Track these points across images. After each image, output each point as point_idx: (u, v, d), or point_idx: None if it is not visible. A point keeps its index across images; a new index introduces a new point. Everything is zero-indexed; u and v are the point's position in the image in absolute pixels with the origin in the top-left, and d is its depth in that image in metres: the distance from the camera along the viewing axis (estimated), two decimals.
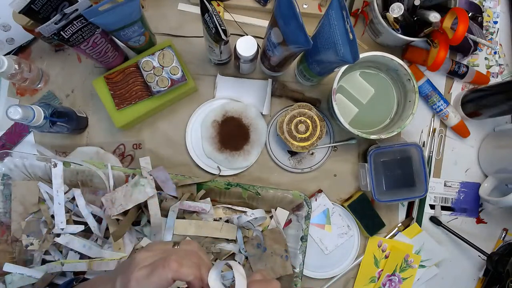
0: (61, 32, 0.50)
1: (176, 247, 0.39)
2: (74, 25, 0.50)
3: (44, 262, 0.58)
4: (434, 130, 0.74)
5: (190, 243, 0.40)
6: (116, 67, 0.64)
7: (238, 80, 0.70)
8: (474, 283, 0.74)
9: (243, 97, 0.70)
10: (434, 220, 0.72)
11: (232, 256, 0.63)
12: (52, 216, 0.59)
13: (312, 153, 0.71)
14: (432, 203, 0.73)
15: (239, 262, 0.62)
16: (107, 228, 0.59)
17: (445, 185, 0.73)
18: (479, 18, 0.72)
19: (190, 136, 0.69)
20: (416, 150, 0.67)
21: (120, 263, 0.41)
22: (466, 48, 0.72)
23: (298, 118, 0.65)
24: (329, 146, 0.71)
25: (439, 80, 0.74)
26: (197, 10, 0.71)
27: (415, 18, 0.64)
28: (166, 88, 0.62)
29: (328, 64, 0.56)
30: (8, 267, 0.55)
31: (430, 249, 0.71)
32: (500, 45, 0.76)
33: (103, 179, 0.59)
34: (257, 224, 0.63)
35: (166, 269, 0.35)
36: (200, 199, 0.62)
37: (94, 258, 0.57)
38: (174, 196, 0.61)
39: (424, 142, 0.74)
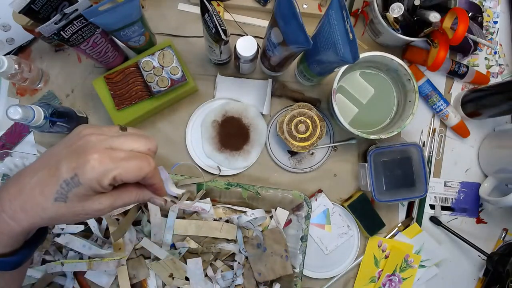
0: (61, 32, 0.50)
1: (122, 132, 0.35)
2: (74, 25, 0.50)
3: (44, 262, 0.58)
4: (434, 130, 0.74)
5: (136, 130, 0.36)
6: (116, 67, 0.64)
7: (238, 80, 0.70)
8: (474, 283, 0.74)
9: (243, 97, 0.70)
10: (434, 220, 0.72)
11: (232, 256, 0.63)
12: None
13: (312, 153, 0.71)
14: (432, 203, 0.73)
15: (239, 262, 0.62)
16: (107, 228, 0.59)
17: (445, 185, 0.73)
18: (479, 18, 0.72)
19: (190, 136, 0.69)
20: (416, 150, 0.67)
21: (52, 148, 0.34)
22: (466, 48, 0.72)
23: (298, 118, 0.65)
24: (329, 146, 0.71)
25: (439, 80, 0.74)
26: (197, 10, 0.71)
27: (415, 18, 0.64)
28: (166, 88, 0.62)
29: (328, 64, 0.56)
30: None
31: (430, 249, 0.71)
32: (500, 45, 0.76)
33: None
34: (257, 224, 0.63)
35: (141, 161, 0.32)
36: (200, 199, 0.62)
37: (94, 258, 0.57)
38: (174, 196, 0.60)
39: (424, 142, 0.74)
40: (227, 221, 0.62)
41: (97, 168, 0.30)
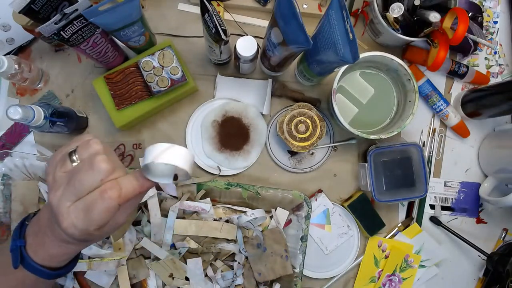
0: (61, 32, 0.50)
1: (75, 163, 0.34)
2: (74, 25, 0.50)
3: None
4: (434, 130, 0.74)
5: (87, 148, 0.34)
6: (116, 67, 0.64)
7: (238, 80, 0.70)
8: (474, 283, 0.74)
9: (243, 97, 0.70)
10: (434, 220, 0.72)
11: (232, 256, 0.63)
12: None
13: (312, 153, 0.71)
14: (432, 203, 0.73)
15: (239, 262, 0.62)
16: None
17: (445, 185, 0.73)
18: (479, 18, 0.72)
19: (190, 136, 0.69)
20: (416, 150, 0.67)
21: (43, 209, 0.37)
22: (466, 48, 0.72)
23: (298, 118, 0.65)
24: (329, 146, 0.71)
25: (439, 80, 0.74)
26: (197, 10, 0.71)
27: (415, 18, 0.64)
28: (166, 88, 0.62)
29: (328, 64, 0.56)
30: None
31: (430, 249, 0.71)
32: (500, 45, 0.76)
33: None
34: (257, 224, 0.63)
35: (106, 198, 0.32)
36: (200, 199, 0.62)
37: (94, 258, 0.56)
38: (174, 196, 0.61)
39: (424, 142, 0.74)
40: (227, 221, 0.62)
41: (77, 231, 0.33)
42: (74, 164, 0.34)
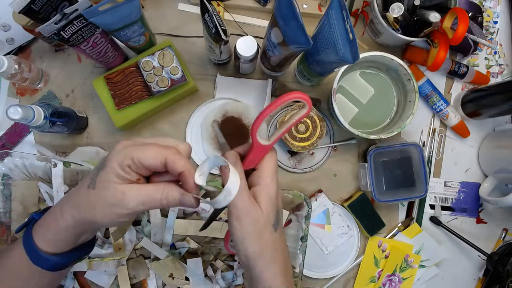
0: (61, 32, 0.50)
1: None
2: (74, 25, 0.50)
3: None
4: (434, 130, 0.74)
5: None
6: (116, 67, 0.64)
7: (238, 80, 0.70)
8: (474, 283, 0.74)
9: (243, 97, 0.70)
10: (434, 220, 0.72)
11: (232, 256, 0.63)
12: None
13: (312, 153, 0.71)
14: (432, 203, 0.73)
15: (239, 262, 0.62)
16: (107, 228, 0.59)
17: (445, 185, 0.73)
18: (479, 18, 0.72)
19: (190, 136, 0.69)
20: (416, 150, 0.67)
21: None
22: (466, 48, 0.72)
23: None
24: (329, 146, 0.71)
25: (439, 80, 0.74)
26: (197, 10, 0.71)
27: (415, 18, 0.64)
28: (166, 88, 0.62)
29: (328, 64, 0.56)
30: None
31: (430, 249, 0.71)
32: (500, 45, 0.76)
33: None
34: None
35: (163, 149, 0.34)
36: None
37: (94, 258, 0.57)
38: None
39: (424, 142, 0.74)
40: (227, 221, 0.62)
41: (119, 152, 0.33)
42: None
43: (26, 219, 0.39)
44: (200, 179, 0.36)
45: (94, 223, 0.35)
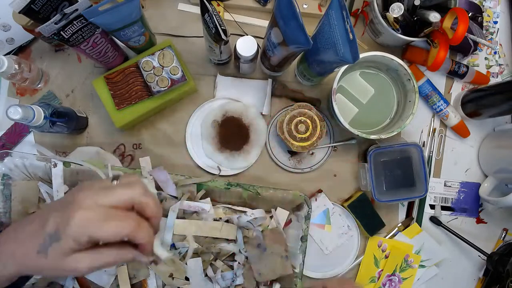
0: (61, 32, 0.50)
1: (115, 182, 0.35)
2: (74, 25, 0.50)
3: None
4: (434, 130, 0.74)
5: (130, 177, 0.36)
6: (116, 67, 0.64)
7: (238, 80, 0.70)
8: (474, 283, 0.74)
9: (243, 97, 0.70)
10: (434, 220, 0.72)
11: (232, 256, 0.63)
12: None
13: (312, 153, 0.71)
14: (432, 203, 0.73)
15: (239, 262, 0.62)
16: None
17: (445, 185, 0.73)
18: (479, 18, 0.72)
19: (190, 136, 0.69)
20: (416, 150, 0.67)
21: (51, 202, 0.37)
22: (466, 48, 0.72)
23: (298, 118, 0.65)
24: (329, 146, 0.71)
25: (439, 80, 0.74)
26: (197, 10, 0.71)
27: (415, 18, 0.64)
28: (166, 88, 0.62)
29: (328, 64, 0.56)
30: None
31: (430, 249, 0.71)
32: (500, 45, 0.76)
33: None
34: (257, 224, 0.63)
35: (123, 222, 0.32)
36: (200, 199, 0.62)
37: None
38: (174, 196, 0.60)
39: (424, 142, 0.74)
40: (227, 221, 0.62)
41: (75, 227, 0.31)
42: (114, 182, 0.35)
43: None
44: (160, 248, 0.35)
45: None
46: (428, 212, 0.73)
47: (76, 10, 0.49)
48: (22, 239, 0.34)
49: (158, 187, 0.59)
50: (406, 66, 0.62)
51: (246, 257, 0.62)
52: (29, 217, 0.36)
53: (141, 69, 0.61)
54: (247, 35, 0.60)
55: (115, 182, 0.35)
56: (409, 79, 0.63)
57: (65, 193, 0.59)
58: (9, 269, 0.34)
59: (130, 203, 0.33)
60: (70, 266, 0.32)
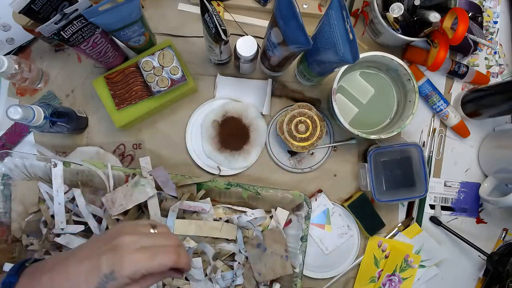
0: (61, 32, 0.50)
1: (154, 231, 0.41)
2: (74, 25, 0.50)
3: None
4: (434, 130, 0.74)
5: (164, 227, 0.42)
6: (116, 67, 0.64)
7: (238, 80, 0.70)
8: (474, 283, 0.74)
9: (243, 97, 0.70)
10: (434, 220, 0.72)
11: (232, 256, 0.63)
12: (52, 216, 0.59)
13: (312, 153, 0.71)
14: (432, 203, 0.73)
15: (239, 262, 0.62)
16: (107, 228, 0.59)
17: (445, 185, 0.73)
18: (479, 18, 0.72)
19: (190, 136, 0.69)
20: (416, 150, 0.67)
21: (94, 239, 0.41)
22: (466, 48, 0.72)
23: (298, 118, 0.65)
24: (329, 146, 0.71)
25: (439, 80, 0.74)
26: (197, 10, 0.71)
27: (415, 18, 0.64)
28: (166, 88, 0.62)
29: (328, 64, 0.56)
30: (8, 267, 0.55)
31: (430, 249, 0.71)
32: (500, 45, 0.76)
33: (103, 179, 0.59)
34: (257, 224, 0.63)
35: (166, 256, 0.38)
36: (200, 199, 0.62)
37: None
38: (174, 196, 0.61)
39: (424, 142, 0.74)
40: (227, 221, 0.62)
41: (129, 268, 0.36)
42: (153, 231, 0.41)
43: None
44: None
45: None
46: (428, 212, 0.73)
47: (76, 10, 0.49)
48: (76, 279, 0.37)
49: (158, 187, 0.59)
50: (406, 66, 0.62)
51: (246, 257, 0.62)
52: (76, 255, 0.39)
53: (141, 69, 0.61)
54: (247, 35, 0.60)
55: (153, 230, 0.41)
56: (409, 79, 0.63)
57: (65, 193, 0.58)
58: None
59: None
60: None
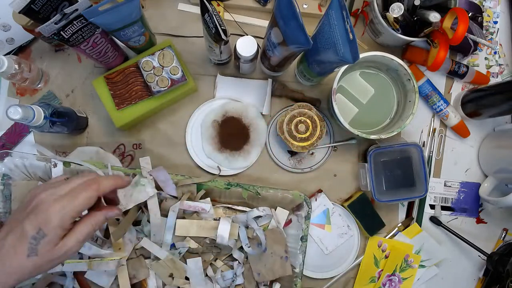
0: (61, 32, 0.50)
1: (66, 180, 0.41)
2: (74, 25, 0.50)
3: None
4: (434, 130, 0.74)
5: (78, 176, 0.41)
6: (116, 67, 0.64)
7: (238, 80, 0.70)
8: (474, 283, 0.74)
9: (243, 97, 0.70)
10: (434, 220, 0.72)
11: (232, 256, 0.63)
12: None
13: (312, 153, 0.71)
14: (432, 203, 0.73)
15: (239, 262, 0.62)
16: (107, 228, 0.59)
17: (445, 185, 0.73)
18: (479, 18, 0.72)
19: (190, 136, 0.69)
20: (416, 150, 0.67)
21: (9, 217, 0.41)
22: (466, 48, 0.72)
23: (298, 118, 0.65)
24: (329, 146, 0.71)
25: (439, 80, 0.74)
26: (197, 10, 0.71)
27: (415, 18, 0.64)
28: (166, 88, 0.62)
29: (328, 64, 0.56)
30: None
31: (430, 249, 0.71)
32: (500, 45, 0.76)
33: None
34: (261, 224, 0.63)
35: (87, 189, 0.38)
36: (200, 199, 0.62)
37: (94, 258, 0.56)
38: (174, 196, 0.61)
39: (424, 142, 0.74)
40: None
41: (55, 217, 0.36)
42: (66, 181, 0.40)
43: None
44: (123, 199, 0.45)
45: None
46: (428, 212, 0.73)
47: (76, 10, 0.49)
48: (4, 255, 0.37)
49: (158, 187, 0.59)
50: (406, 66, 0.62)
51: (246, 257, 0.62)
52: (2, 231, 0.38)
53: (141, 69, 0.61)
54: (247, 35, 0.60)
55: (63, 179, 0.41)
56: (409, 79, 0.63)
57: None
58: (9, 283, 0.37)
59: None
60: (61, 251, 0.38)
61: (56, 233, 0.37)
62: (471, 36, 0.64)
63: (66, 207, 0.37)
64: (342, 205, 0.70)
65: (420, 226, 0.72)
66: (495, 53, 0.75)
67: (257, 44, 0.59)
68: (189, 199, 0.61)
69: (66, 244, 0.38)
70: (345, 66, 0.62)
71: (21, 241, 0.36)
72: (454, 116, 0.72)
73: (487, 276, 0.71)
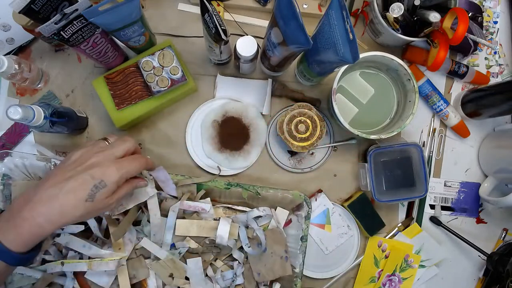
0: (61, 32, 0.50)
1: (109, 143, 0.50)
2: (74, 25, 0.50)
3: (44, 262, 0.58)
4: (434, 130, 0.74)
5: (112, 136, 0.51)
6: (116, 67, 0.64)
7: (238, 80, 0.70)
8: (474, 283, 0.74)
9: (243, 97, 0.70)
10: (434, 220, 0.72)
11: (232, 256, 0.63)
12: None
13: (312, 153, 0.71)
14: (432, 203, 0.73)
15: (239, 262, 0.62)
16: (107, 228, 0.59)
17: (445, 185, 0.73)
18: (479, 18, 0.72)
19: (190, 136, 0.69)
20: (416, 150, 0.67)
21: (54, 173, 0.45)
22: (466, 48, 0.72)
23: (298, 118, 0.65)
24: (329, 146, 0.71)
25: (439, 80, 0.74)
26: (197, 10, 0.71)
27: (415, 18, 0.64)
28: (166, 88, 0.62)
29: (328, 64, 0.56)
30: None
31: (430, 249, 0.71)
32: (500, 45, 0.76)
33: None
34: (262, 224, 0.63)
35: (140, 160, 0.48)
36: (200, 199, 0.62)
37: (94, 258, 0.56)
38: (174, 196, 0.61)
39: (424, 142, 0.74)
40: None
41: (116, 174, 0.44)
42: (108, 143, 0.49)
43: None
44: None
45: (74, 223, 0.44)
46: (428, 212, 0.73)
47: (76, 10, 0.49)
48: (63, 196, 0.42)
49: (158, 187, 0.59)
50: (406, 66, 0.62)
51: (246, 257, 0.62)
52: (48, 183, 0.43)
53: (141, 69, 0.61)
54: (247, 35, 0.60)
55: (106, 143, 0.49)
56: (409, 79, 0.63)
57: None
58: (58, 224, 0.42)
59: (130, 151, 0.49)
60: (108, 202, 0.45)
61: (112, 187, 0.44)
62: (471, 36, 0.64)
63: (125, 168, 0.45)
64: (342, 205, 0.70)
65: (420, 226, 0.72)
66: (495, 53, 0.75)
67: (257, 44, 0.59)
68: (189, 199, 0.61)
69: (113, 197, 0.45)
70: (345, 66, 0.62)
71: (83, 187, 0.42)
72: (454, 116, 0.72)
73: (487, 276, 0.71)
